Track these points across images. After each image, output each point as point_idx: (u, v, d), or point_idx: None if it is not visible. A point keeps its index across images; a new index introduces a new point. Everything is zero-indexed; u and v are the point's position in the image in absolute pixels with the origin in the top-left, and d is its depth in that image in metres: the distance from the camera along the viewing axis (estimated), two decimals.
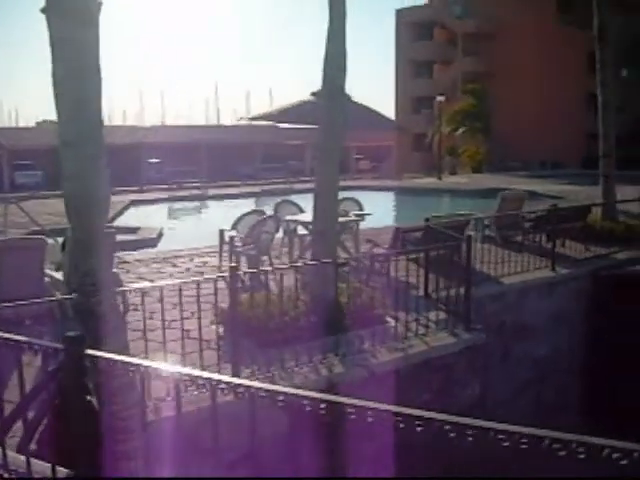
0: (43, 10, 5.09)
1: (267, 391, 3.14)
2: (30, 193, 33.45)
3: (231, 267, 7.35)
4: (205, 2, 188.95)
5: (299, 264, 9.33)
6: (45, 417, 4.78)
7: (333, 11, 9.11)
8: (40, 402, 4.56)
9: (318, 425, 5.17)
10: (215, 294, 7.34)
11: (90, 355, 3.50)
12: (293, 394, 3.08)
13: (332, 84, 9.20)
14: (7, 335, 3.92)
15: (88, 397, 3.57)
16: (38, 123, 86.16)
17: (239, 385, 3.15)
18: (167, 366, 3.39)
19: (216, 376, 3.27)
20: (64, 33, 4.96)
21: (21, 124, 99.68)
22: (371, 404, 2.90)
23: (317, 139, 9.53)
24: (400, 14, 70.16)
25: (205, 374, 3.29)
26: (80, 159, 4.88)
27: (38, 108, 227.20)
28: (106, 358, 3.47)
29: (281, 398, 3.10)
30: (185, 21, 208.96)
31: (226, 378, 3.25)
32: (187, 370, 3.29)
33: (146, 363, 3.40)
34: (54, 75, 5.04)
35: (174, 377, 3.30)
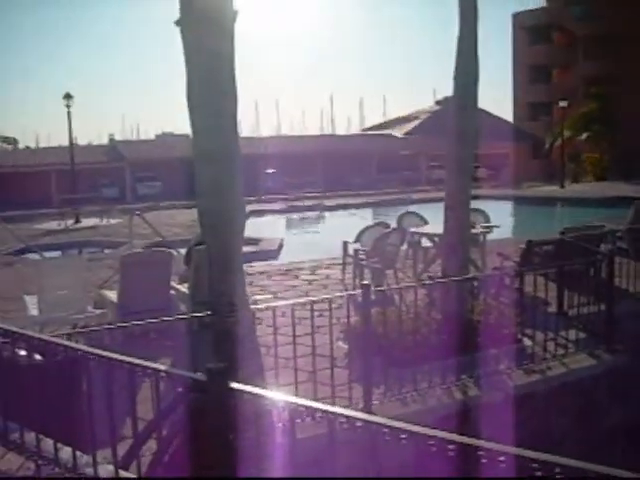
0: (177, 22, 4.97)
1: (390, 428, 2.81)
2: (152, 204, 34.28)
3: (363, 284, 7.08)
4: (319, 12, 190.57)
5: (434, 281, 8.97)
6: (175, 439, 4.66)
7: (464, 18, 8.80)
8: (170, 422, 4.44)
9: (448, 464, 4.82)
10: (347, 311, 7.07)
11: (235, 389, 3.29)
12: (419, 433, 2.74)
13: (464, 93, 8.86)
14: (146, 363, 3.78)
15: (231, 436, 3.35)
16: (158, 136, 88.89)
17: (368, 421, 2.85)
18: (318, 405, 3.11)
19: (352, 413, 2.99)
20: (199, 44, 4.82)
21: (142, 137, 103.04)
22: (506, 448, 2.53)
23: (448, 149, 9.18)
24: (517, 18, 68.82)
25: (353, 413, 3.00)
26: (216, 174, 4.71)
27: (158, 121, 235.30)
28: (252, 393, 3.25)
29: (404, 436, 2.77)
30: (299, 30, 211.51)
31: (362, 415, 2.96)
32: (335, 409, 3.01)
33: (295, 400, 3.15)
34: (189, 87, 4.90)
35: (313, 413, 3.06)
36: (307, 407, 3.04)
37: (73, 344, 4.52)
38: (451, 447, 2.66)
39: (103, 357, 4.07)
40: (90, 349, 4.21)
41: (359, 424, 2.84)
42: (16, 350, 5.10)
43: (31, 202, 42.69)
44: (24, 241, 20.19)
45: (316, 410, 3.01)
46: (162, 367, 3.79)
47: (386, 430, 2.79)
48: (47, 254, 18.39)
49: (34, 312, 9.36)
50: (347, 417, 2.88)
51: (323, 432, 3.36)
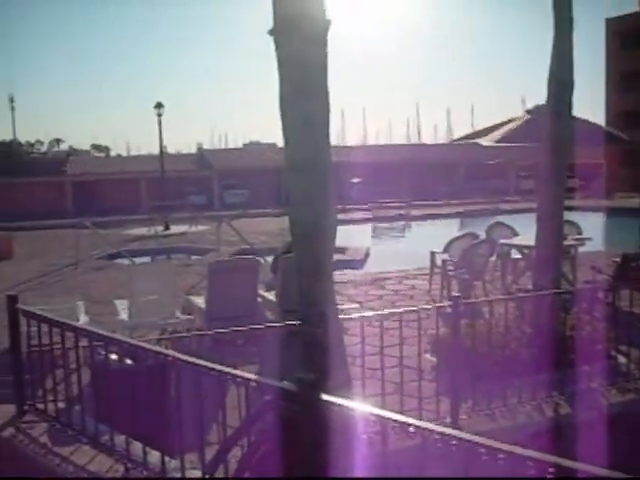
0: (271, 32, 4.98)
1: (487, 448, 2.70)
2: (239, 212, 34.69)
3: (453, 296, 6.95)
4: (406, 20, 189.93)
5: (526, 294, 8.76)
6: (262, 447, 4.64)
7: (559, 24, 8.60)
8: (257, 430, 4.43)
9: None
10: (436, 323, 6.96)
11: (325, 401, 3.25)
12: (519, 454, 2.63)
13: (558, 100, 8.63)
14: (235, 372, 3.78)
15: (320, 447, 3.31)
16: (245, 145, 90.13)
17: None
18: (412, 420, 3.04)
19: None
20: (293, 53, 4.82)
21: (230, 146, 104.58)
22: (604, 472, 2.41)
23: (541, 158, 8.96)
24: (610, 23, 67.03)
25: (449, 431, 2.91)
26: (308, 184, 4.70)
27: (246, 130, 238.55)
28: (342, 405, 3.20)
29: (501, 456, 2.65)
30: (386, 38, 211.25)
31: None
32: (430, 425, 2.94)
33: (388, 414, 3.09)
34: (281, 96, 4.91)
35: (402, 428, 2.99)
36: (401, 422, 2.97)
37: (164, 350, 4.57)
38: (550, 470, 2.56)
39: (193, 364, 4.10)
40: (180, 355, 4.25)
41: (454, 442, 2.75)
42: (108, 354, 5.19)
43: (121, 208, 43.83)
44: (115, 246, 20.68)
45: (410, 425, 2.94)
46: (252, 376, 3.79)
47: (482, 450, 2.70)
48: (137, 259, 18.81)
49: (124, 316, 9.53)
50: (443, 434, 2.79)
51: (410, 445, 3.29)
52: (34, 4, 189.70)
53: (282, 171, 5.94)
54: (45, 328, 5.24)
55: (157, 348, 4.78)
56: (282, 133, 4.88)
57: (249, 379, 3.74)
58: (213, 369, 3.94)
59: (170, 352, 4.37)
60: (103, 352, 5.24)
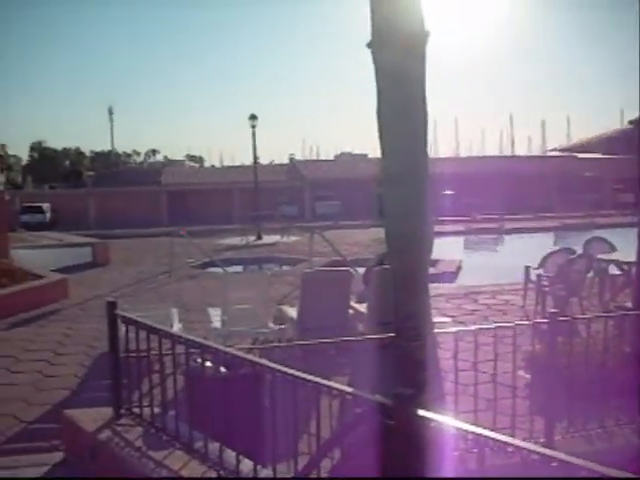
0: (369, 44, 4.98)
1: (590, 471, 2.60)
2: (331, 223, 34.83)
3: (550, 312, 6.79)
4: (499, 29, 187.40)
5: (628, 312, 8.47)
6: (353, 459, 4.62)
7: None
8: (348, 442, 4.41)
9: None
10: (532, 340, 6.81)
11: (421, 416, 3.21)
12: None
13: None
14: (330, 383, 3.78)
15: (415, 466, 3.27)
16: (337, 156, 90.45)
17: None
18: (510, 439, 2.97)
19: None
20: (391, 66, 4.81)
21: (321, 157, 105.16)
22: None
23: None
24: None
25: (550, 452, 2.82)
26: (405, 195, 4.67)
27: (337, 141, 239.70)
28: (439, 421, 3.16)
29: None
30: (479, 48, 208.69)
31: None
32: (530, 446, 2.86)
33: (487, 432, 3.02)
34: (379, 108, 4.90)
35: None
36: (503, 442, 2.90)
37: (259, 359, 4.60)
38: None
39: (287, 374, 4.11)
40: (275, 365, 4.27)
41: (554, 464, 2.67)
42: (203, 361, 5.27)
43: (214, 218, 44.64)
44: (209, 255, 21.07)
45: (508, 444, 2.87)
46: (348, 389, 3.77)
47: (584, 472, 2.61)
48: (229, 268, 19.11)
49: (217, 324, 9.67)
50: (542, 455, 2.72)
51: (502, 464, 3.22)
52: (132, 20, 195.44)
53: (376, 182, 5.91)
54: (142, 334, 5.36)
55: (253, 357, 4.83)
56: (379, 144, 4.87)
57: (344, 391, 3.74)
58: (309, 380, 3.95)
59: (266, 362, 4.40)
60: (198, 359, 5.32)
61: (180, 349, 5.09)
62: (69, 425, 5.91)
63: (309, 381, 3.93)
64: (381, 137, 4.85)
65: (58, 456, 6.04)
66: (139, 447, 5.06)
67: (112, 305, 5.60)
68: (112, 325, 5.57)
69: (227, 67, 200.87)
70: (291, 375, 4.07)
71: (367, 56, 5.17)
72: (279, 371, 4.19)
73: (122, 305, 6.02)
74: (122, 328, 5.67)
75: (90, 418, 5.72)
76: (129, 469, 4.90)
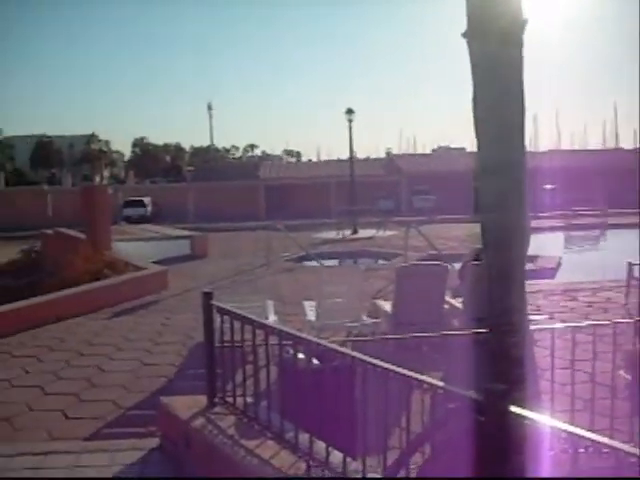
0: (464, 34, 4.89)
1: None
2: (427, 217, 34.57)
3: None
4: (601, 18, 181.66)
5: None
6: (443, 455, 4.56)
7: None
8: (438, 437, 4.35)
9: None
10: (635, 339, 6.58)
11: (514, 413, 3.13)
12: None
13: None
14: (422, 377, 3.74)
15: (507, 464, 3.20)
16: (434, 150, 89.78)
17: None
18: (613, 442, 2.86)
19: None
20: (488, 55, 4.70)
21: (418, 151, 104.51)
22: None
23: None
24: None
25: None
26: (501, 187, 4.56)
27: (434, 135, 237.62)
28: (533, 419, 3.08)
29: None
30: (582, 37, 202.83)
31: None
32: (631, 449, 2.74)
33: (584, 433, 2.93)
34: (475, 99, 4.80)
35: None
36: (600, 443, 2.80)
37: (351, 352, 4.59)
38: None
39: (379, 367, 4.09)
40: (367, 358, 4.25)
41: None
42: (296, 353, 5.31)
43: (311, 212, 44.92)
44: (305, 249, 21.22)
45: (605, 446, 2.77)
46: (440, 384, 3.73)
47: None
48: (325, 262, 19.21)
49: (312, 317, 9.73)
50: None
51: (598, 466, 3.11)
52: (231, 17, 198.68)
53: (473, 175, 5.81)
54: (237, 324, 5.43)
55: (345, 350, 4.82)
56: (475, 136, 4.78)
57: (437, 386, 3.69)
58: (401, 374, 3.92)
59: (357, 354, 4.38)
60: (291, 351, 5.36)
61: (273, 340, 5.13)
62: (165, 412, 6.04)
63: (401, 374, 3.90)
64: (477, 129, 4.75)
65: (154, 442, 6.19)
66: (231, 435, 5.13)
67: (208, 296, 5.69)
68: (207, 315, 5.66)
69: (325, 62, 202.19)
70: (383, 368, 4.04)
71: (463, 46, 5.09)
72: (370, 364, 4.17)
73: (219, 296, 6.12)
74: (217, 319, 5.75)
75: (185, 405, 5.84)
76: (221, 456, 4.98)
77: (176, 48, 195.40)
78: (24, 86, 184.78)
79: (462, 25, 5.03)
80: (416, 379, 3.81)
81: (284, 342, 5.14)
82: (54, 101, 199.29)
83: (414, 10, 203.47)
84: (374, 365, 4.15)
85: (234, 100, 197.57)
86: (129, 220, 44.86)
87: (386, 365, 4.08)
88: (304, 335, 5.20)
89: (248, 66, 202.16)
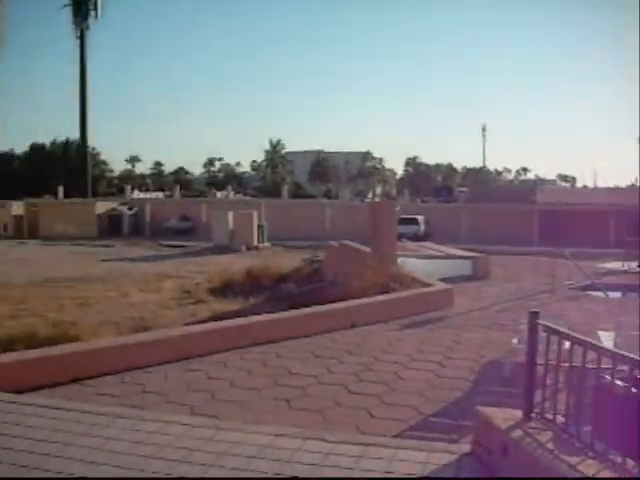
0: None
1: None
2: None
3: None
4: None
5: None
6: None
7: None
8: None
9: None
10: None
11: None
12: None
13: None
14: None
15: None
16: None
17: None
18: None
19: None
20: None
21: None
22: None
23: None
24: None
25: None
26: None
27: None
28: None
29: None
30: None
31: None
32: None
33: None
34: None
35: None
36: None
37: None
38: None
39: None
40: None
41: None
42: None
43: (586, 240, 43.25)
44: (590, 278, 20.68)
45: None
46: None
47: None
48: (610, 293, 18.64)
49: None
50: None
51: None
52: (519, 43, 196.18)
53: None
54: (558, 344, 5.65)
55: None
56: None
57: None
58: None
59: None
60: (607, 376, 5.49)
61: (606, 364, 5.29)
62: (481, 421, 6.40)
63: None
64: None
65: (465, 448, 6.56)
66: (551, 449, 5.36)
67: (534, 314, 6.00)
68: (532, 333, 5.96)
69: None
70: None
71: None
72: None
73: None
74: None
75: (500, 417, 6.16)
76: (540, 467, 5.22)
77: (453, 69, 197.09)
78: (301, 105, 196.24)
79: None
80: None
81: (619, 367, 5.27)
82: (331, 119, 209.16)
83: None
84: None
85: (507, 122, 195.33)
86: (402, 237, 45.89)
87: None
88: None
89: (522, 88, 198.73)
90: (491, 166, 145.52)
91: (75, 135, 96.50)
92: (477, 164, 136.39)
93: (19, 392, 8.28)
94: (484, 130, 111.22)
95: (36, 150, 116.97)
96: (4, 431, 6.75)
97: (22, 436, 6.61)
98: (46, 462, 5.97)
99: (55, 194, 78.02)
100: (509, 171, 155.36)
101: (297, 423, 7.67)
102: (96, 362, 9.70)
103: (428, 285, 16.28)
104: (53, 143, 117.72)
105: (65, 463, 5.94)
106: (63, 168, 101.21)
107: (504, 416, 6.16)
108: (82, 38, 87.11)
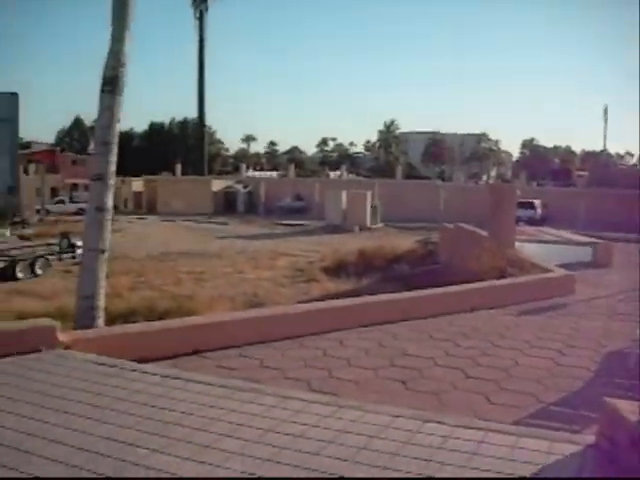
0: None
1: None
2: None
3: None
4: None
5: None
6: None
7: None
8: None
9: None
10: None
11: None
12: None
13: None
14: None
15: None
16: None
17: None
18: None
19: None
20: None
21: None
22: None
23: None
24: None
25: None
26: None
27: None
28: None
29: None
30: None
31: None
32: None
33: None
34: None
35: None
36: None
37: None
38: None
39: None
40: None
41: None
42: None
43: None
44: None
45: None
46: None
47: None
48: None
49: None
50: None
51: None
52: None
53: None
54: None
55: None
56: None
57: None
58: None
59: None
60: None
61: None
62: (608, 412, 6.20)
63: None
64: None
65: (589, 439, 6.37)
66: None
67: None
68: None
69: None
70: None
71: None
72: None
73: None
74: None
75: (629, 409, 5.95)
76: None
77: (576, 54, 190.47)
78: (415, 85, 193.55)
79: None
80: None
81: None
82: (446, 101, 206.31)
83: None
84: None
85: (630, 104, 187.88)
86: (518, 221, 44.99)
87: None
88: None
89: None
90: (612, 150, 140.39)
91: (193, 114, 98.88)
92: (598, 147, 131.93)
93: (143, 361, 8.55)
94: (606, 113, 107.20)
95: (155, 129, 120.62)
96: (130, 398, 6.97)
97: (147, 404, 6.81)
98: (169, 430, 6.14)
99: (173, 171, 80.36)
100: (631, 155, 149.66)
101: (413, 405, 7.63)
102: (215, 335, 9.92)
103: (548, 271, 15.89)
104: (172, 122, 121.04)
105: (185, 432, 6.09)
106: (181, 146, 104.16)
107: (632, 409, 5.94)
108: (201, 19, 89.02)
